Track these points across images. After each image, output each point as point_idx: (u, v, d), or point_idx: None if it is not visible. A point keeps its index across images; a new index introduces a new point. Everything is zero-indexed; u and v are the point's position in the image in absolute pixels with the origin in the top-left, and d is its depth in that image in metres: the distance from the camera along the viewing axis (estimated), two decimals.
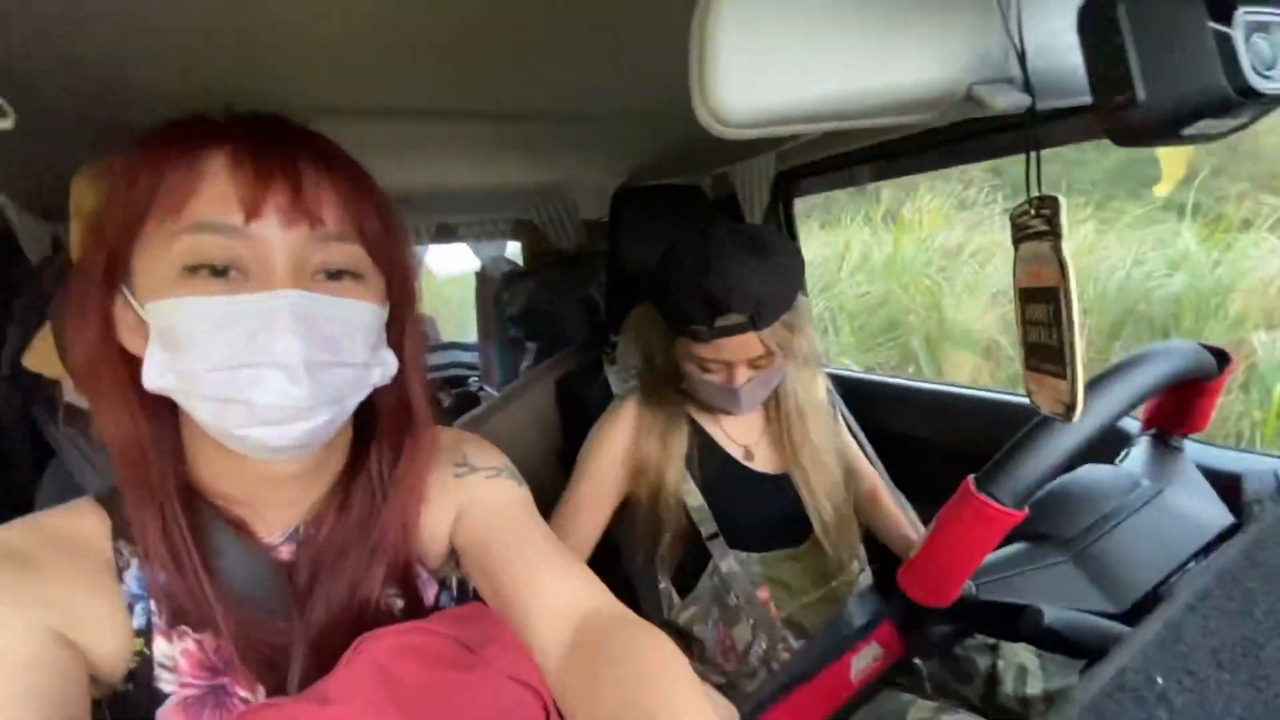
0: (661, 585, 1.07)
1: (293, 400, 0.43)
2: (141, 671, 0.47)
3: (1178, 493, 0.71)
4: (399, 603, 0.56)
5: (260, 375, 0.42)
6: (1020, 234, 0.34)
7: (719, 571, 0.96)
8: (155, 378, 0.44)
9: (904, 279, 4.12)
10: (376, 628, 0.50)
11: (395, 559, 0.56)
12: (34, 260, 0.86)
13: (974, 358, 3.74)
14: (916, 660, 0.96)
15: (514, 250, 2.17)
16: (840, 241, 4.56)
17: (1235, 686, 0.24)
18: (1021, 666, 0.84)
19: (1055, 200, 0.31)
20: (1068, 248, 0.30)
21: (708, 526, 0.96)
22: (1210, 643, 0.26)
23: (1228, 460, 0.90)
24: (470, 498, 0.58)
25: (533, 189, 1.65)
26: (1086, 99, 0.31)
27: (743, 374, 0.88)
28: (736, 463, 0.99)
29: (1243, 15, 0.24)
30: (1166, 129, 0.26)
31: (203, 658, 0.49)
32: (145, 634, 0.48)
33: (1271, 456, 0.90)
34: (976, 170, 4.56)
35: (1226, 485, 0.82)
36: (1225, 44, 0.25)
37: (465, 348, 2.33)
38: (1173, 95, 0.25)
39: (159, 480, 0.48)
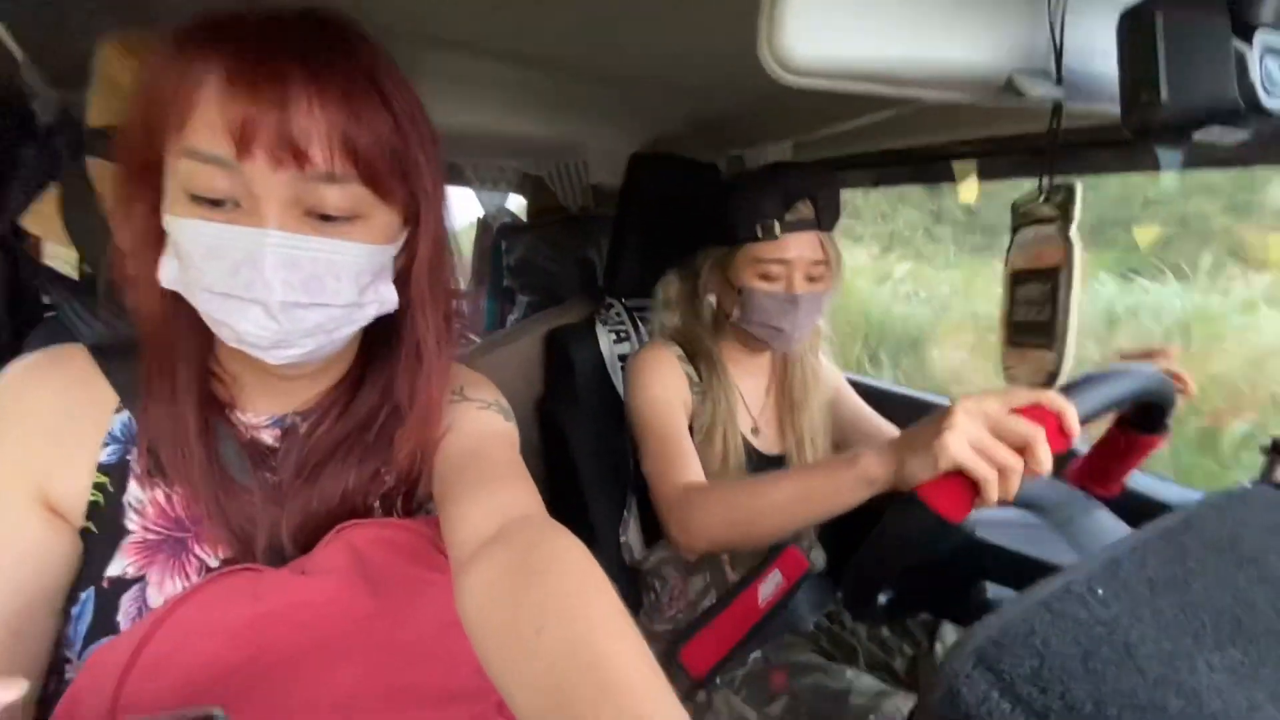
0: (623, 539, 1.11)
1: (271, 333, 0.45)
2: (107, 511, 0.51)
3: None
4: (379, 510, 0.58)
5: (242, 307, 0.44)
6: (1022, 220, 0.37)
7: None
8: (168, 279, 0.46)
9: None
10: None
11: (400, 475, 0.58)
12: (42, 123, 0.85)
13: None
14: (850, 639, 1.01)
15: (515, 205, 2.17)
16: None
17: (1164, 604, 0.28)
18: None
19: (1071, 188, 0.34)
20: (1075, 231, 0.34)
21: None
22: (1145, 574, 0.30)
23: (1160, 490, 0.96)
24: (455, 423, 0.59)
25: (547, 144, 1.64)
26: (1112, 106, 0.34)
27: (801, 283, 0.92)
28: (744, 438, 1.01)
29: (1261, 36, 0.28)
30: (1180, 130, 0.29)
31: (168, 509, 0.52)
32: (113, 473, 0.51)
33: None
34: (918, 213, 4.67)
35: (1157, 513, 0.89)
36: (1242, 62, 0.28)
37: None
38: (1191, 100, 0.28)
39: (180, 353, 0.51)
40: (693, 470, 0.89)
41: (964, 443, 0.55)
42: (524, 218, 2.01)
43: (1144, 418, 0.75)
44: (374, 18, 0.75)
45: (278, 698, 0.44)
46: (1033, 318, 0.37)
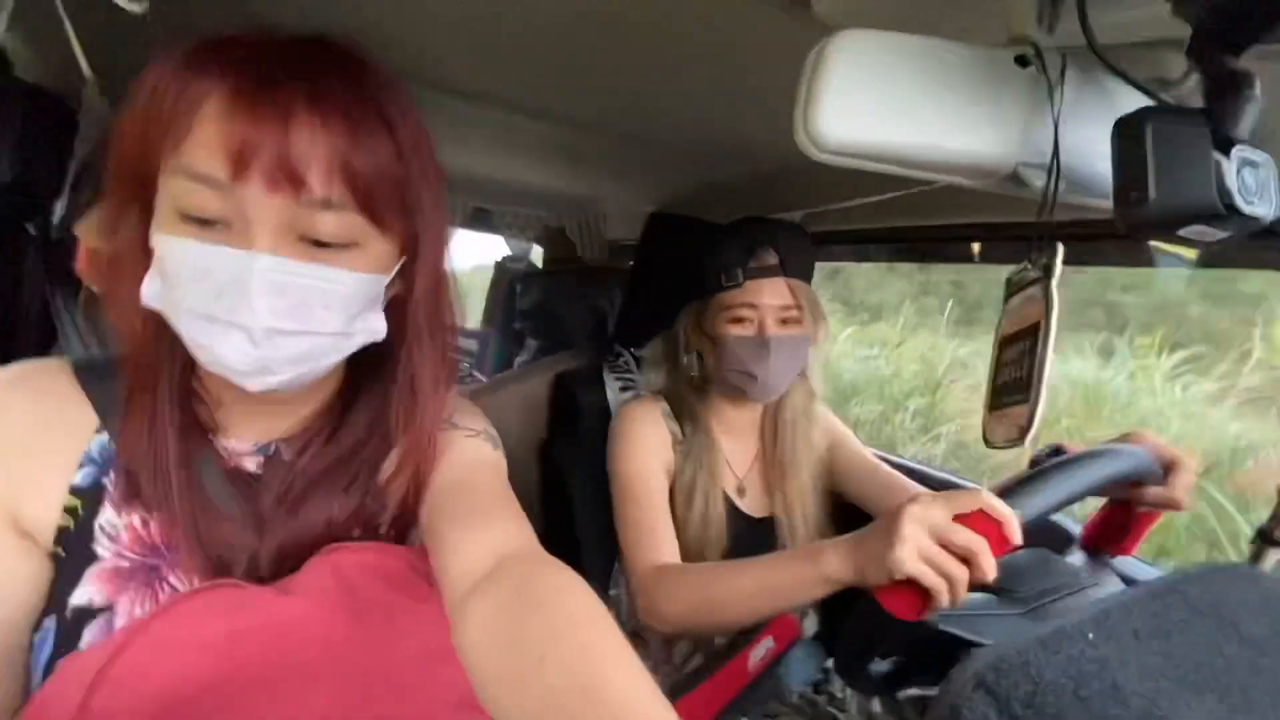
0: (613, 592, 1.10)
1: (251, 360, 0.43)
2: (76, 536, 0.48)
3: (1110, 590, 0.78)
4: (360, 538, 0.56)
5: (224, 332, 0.42)
6: (1012, 290, 0.41)
7: None
8: (150, 298, 0.45)
9: None
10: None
11: (388, 506, 0.56)
12: (91, 140, 0.89)
13: None
14: (837, 711, 0.99)
15: (531, 255, 2.23)
16: None
17: (1147, 652, 0.30)
18: None
19: (1055, 246, 0.38)
20: (1055, 286, 0.37)
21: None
22: (1131, 625, 0.32)
23: (1145, 572, 0.97)
24: (444, 453, 0.58)
25: (569, 197, 1.71)
26: (1106, 201, 0.38)
27: (773, 325, 0.94)
28: (729, 501, 1.01)
29: (1238, 151, 0.32)
30: (1167, 226, 0.33)
31: (144, 535, 0.50)
32: (86, 496, 0.49)
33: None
34: (907, 284, 4.85)
35: None
36: (1221, 170, 0.32)
37: (463, 333, 2.36)
38: (1176, 200, 0.32)
39: (162, 373, 0.49)
40: (667, 549, 0.89)
41: (915, 555, 0.58)
42: (539, 265, 2.07)
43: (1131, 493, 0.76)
44: (404, 66, 0.81)
45: (246, 718, 0.43)
46: (1013, 376, 0.40)
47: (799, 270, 0.95)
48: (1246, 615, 0.35)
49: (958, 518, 0.59)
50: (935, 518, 0.59)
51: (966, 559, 0.57)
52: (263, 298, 0.41)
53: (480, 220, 1.75)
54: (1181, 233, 0.33)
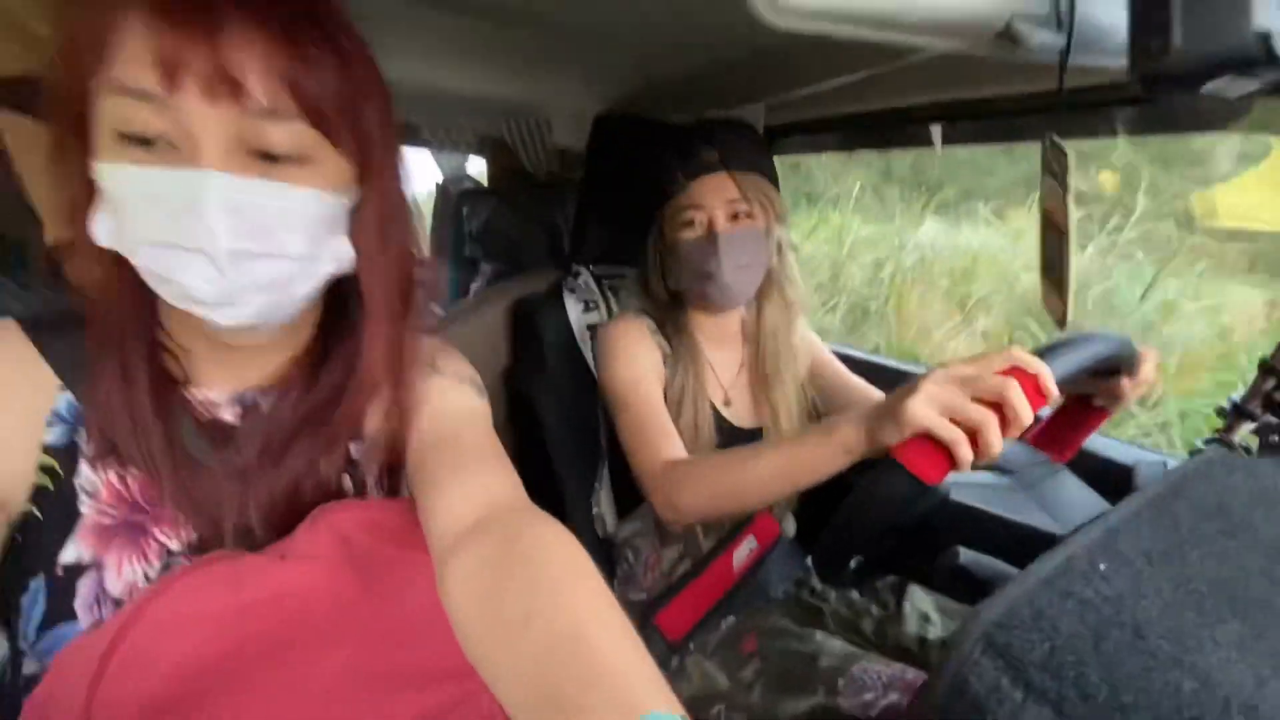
0: (595, 510, 1.10)
1: (218, 288, 0.42)
2: (57, 495, 0.48)
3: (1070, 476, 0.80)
4: (349, 486, 0.56)
5: (186, 260, 0.41)
6: (1045, 167, 0.37)
7: None
8: (103, 237, 0.43)
9: None
10: (324, 502, 0.52)
11: (373, 452, 0.56)
12: None
13: None
14: (819, 603, 1.03)
15: (475, 169, 2.08)
16: None
17: (1162, 578, 0.28)
18: (924, 613, 0.92)
19: (1064, 155, 0.33)
20: (1072, 200, 0.33)
21: None
22: (1142, 546, 0.30)
23: (1122, 453, 0.99)
24: (428, 401, 0.57)
25: (508, 104, 1.57)
26: (1116, 59, 0.32)
27: (722, 222, 0.92)
28: (716, 411, 1.01)
29: None
30: (1191, 79, 0.27)
31: (124, 492, 0.49)
32: (60, 455, 0.48)
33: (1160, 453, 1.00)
34: (867, 171, 4.84)
35: (1120, 475, 0.92)
36: (1258, 8, 0.26)
37: None
38: (1204, 47, 0.27)
39: (127, 324, 0.48)
40: (674, 444, 0.88)
41: (928, 406, 0.56)
42: (484, 182, 1.93)
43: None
44: None
45: (262, 687, 0.43)
46: (1048, 256, 0.38)
47: (744, 164, 0.92)
48: (1257, 515, 0.33)
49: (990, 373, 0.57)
50: (964, 372, 0.57)
51: (999, 409, 0.54)
52: (220, 218, 0.40)
53: (409, 135, 1.60)
54: (1207, 87, 0.28)
